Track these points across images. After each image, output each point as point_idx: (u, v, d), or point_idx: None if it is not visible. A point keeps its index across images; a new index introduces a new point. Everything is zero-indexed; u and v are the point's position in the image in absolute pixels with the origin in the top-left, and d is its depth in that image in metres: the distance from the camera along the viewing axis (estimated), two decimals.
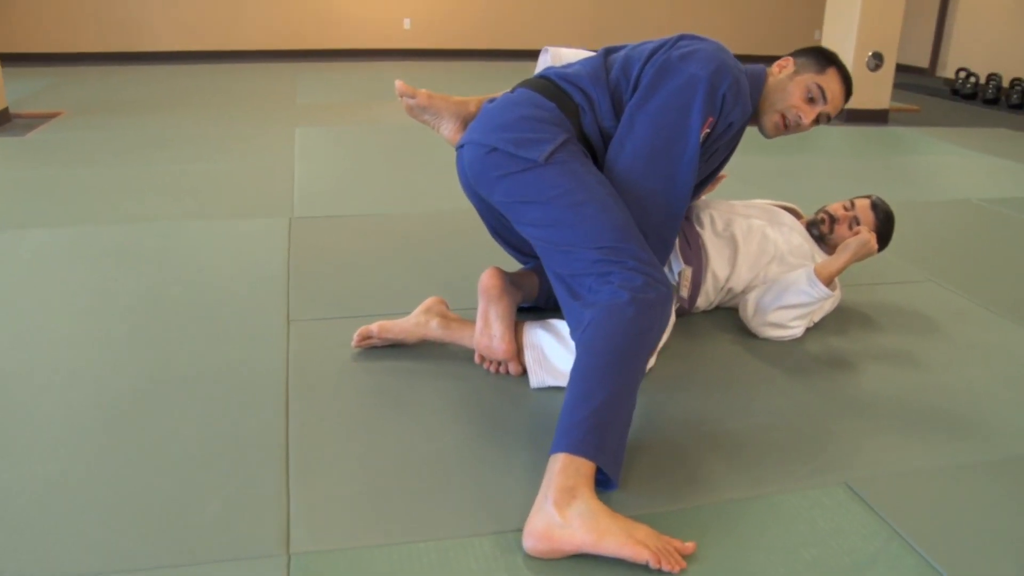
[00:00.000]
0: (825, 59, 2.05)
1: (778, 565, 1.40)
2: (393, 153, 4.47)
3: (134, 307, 2.36)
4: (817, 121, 2.07)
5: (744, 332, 2.30)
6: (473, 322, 2.06)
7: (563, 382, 1.92)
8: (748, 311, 2.26)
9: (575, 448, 1.47)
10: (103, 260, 2.73)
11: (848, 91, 2.08)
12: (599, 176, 1.82)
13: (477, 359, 2.05)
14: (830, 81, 2.03)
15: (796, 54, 2.09)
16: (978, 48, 8.55)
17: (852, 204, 2.40)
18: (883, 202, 2.42)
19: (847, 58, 5.78)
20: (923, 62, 9.64)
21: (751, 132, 2.13)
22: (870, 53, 5.81)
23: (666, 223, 1.93)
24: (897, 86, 7.24)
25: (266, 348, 2.13)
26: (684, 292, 2.26)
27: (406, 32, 9.45)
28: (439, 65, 8.63)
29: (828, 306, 2.32)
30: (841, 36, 5.91)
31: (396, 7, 9.33)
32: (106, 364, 2.03)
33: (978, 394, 2.01)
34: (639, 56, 1.92)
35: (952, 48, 9.05)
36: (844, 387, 2.02)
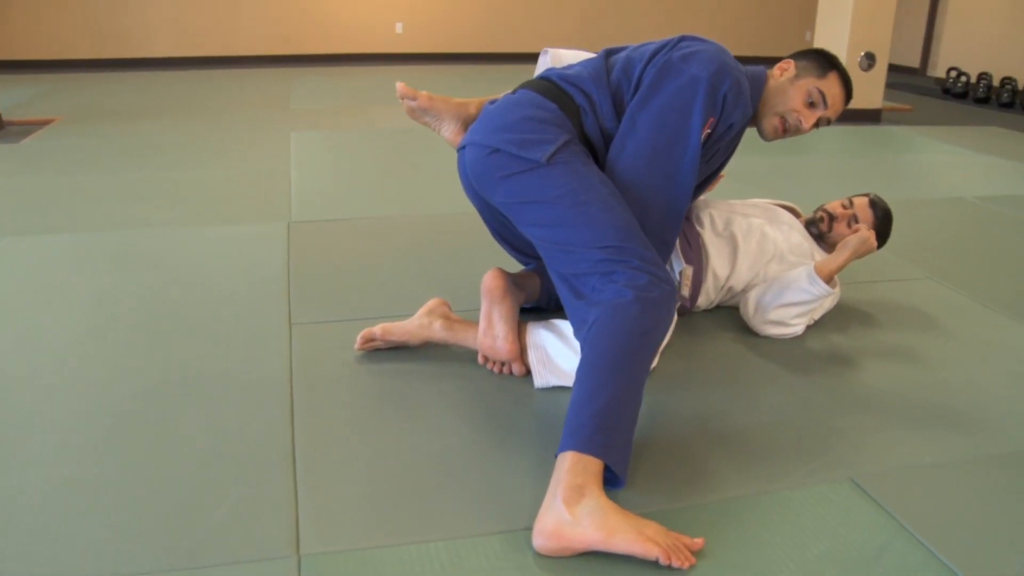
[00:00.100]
0: (827, 63, 2.06)
1: (787, 560, 1.41)
2: (389, 157, 4.47)
3: (135, 312, 2.36)
4: (817, 125, 2.08)
5: (745, 330, 2.30)
6: (476, 323, 2.07)
7: (567, 382, 1.93)
8: (749, 309, 2.27)
9: (583, 446, 1.47)
10: (102, 266, 2.72)
11: (848, 96, 2.09)
12: (601, 176, 1.83)
13: (481, 360, 2.05)
14: (831, 85, 2.04)
15: (797, 57, 2.09)
16: (969, 48, 8.60)
17: (850, 202, 2.41)
18: (881, 200, 2.43)
19: (840, 58, 5.80)
20: (914, 62, 9.69)
21: (749, 133, 2.14)
22: (862, 53, 5.83)
23: (667, 223, 1.93)
24: (889, 86, 7.28)
25: (269, 351, 2.13)
26: (685, 291, 2.27)
27: (398, 36, 9.46)
28: (431, 69, 8.64)
29: (828, 304, 2.33)
30: (833, 37, 5.94)
31: (388, 12, 9.33)
32: (109, 369, 2.03)
33: (979, 389, 2.02)
34: (640, 57, 1.93)
35: (943, 48, 9.09)
36: (847, 384, 2.03)
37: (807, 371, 2.10)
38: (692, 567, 1.38)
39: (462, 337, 2.08)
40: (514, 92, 2.00)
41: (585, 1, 9.74)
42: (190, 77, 7.79)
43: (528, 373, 2.01)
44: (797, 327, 2.25)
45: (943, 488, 1.63)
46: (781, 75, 2.06)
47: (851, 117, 5.97)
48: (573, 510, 1.40)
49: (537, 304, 2.25)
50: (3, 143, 4.72)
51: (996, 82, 7.77)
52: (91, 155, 4.39)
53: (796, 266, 2.31)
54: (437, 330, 2.09)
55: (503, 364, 2.02)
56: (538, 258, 2.18)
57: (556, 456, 1.51)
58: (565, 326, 1.98)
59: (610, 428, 1.51)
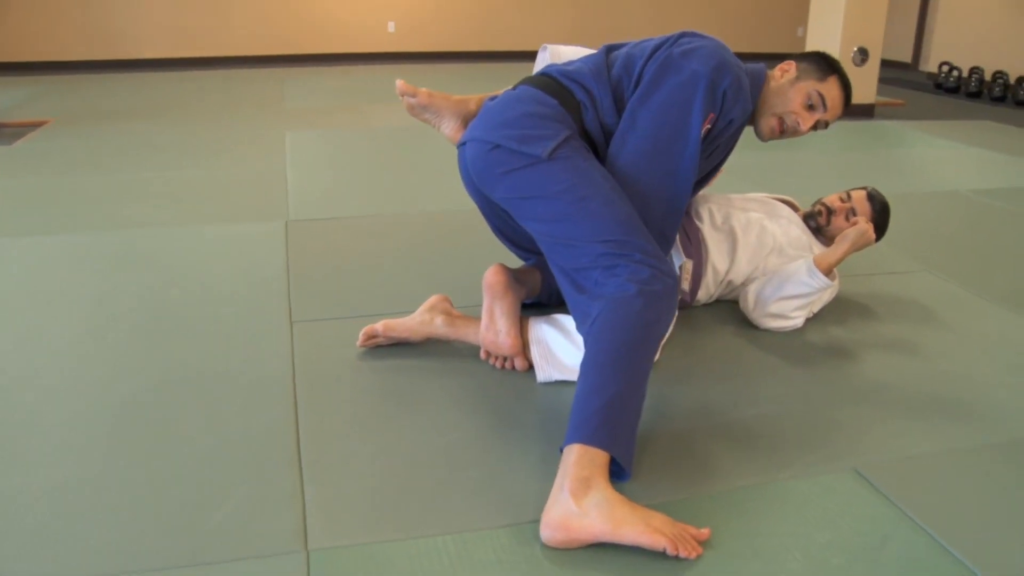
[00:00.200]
0: (828, 67, 2.07)
1: (792, 549, 1.42)
2: (385, 155, 4.47)
3: (134, 312, 2.36)
4: (814, 128, 2.09)
5: (745, 324, 2.32)
6: (477, 319, 2.07)
7: (570, 376, 1.94)
8: (749, 303, 2.28)
9: (589, 439, 1.48)
10: (101, 266, 2.72)
11: (847, 100, 2.10)
12: (602, 171, 1.84)
13: (483, 355, 2.06)
14: (831, 89, 2.06)
15: (799, 59, 2.11)
16: (960, 42, 8.63)
17: (848, 195, 2.43)
18: (879, 193, 2.44)
19: (832, 54, 5.81)
20: (906, 57, 9.72)
21: (746, 130, 2.15)
22: (855, 48, 5.85)
23: (667, 218, 1.94)
24: (881, 81, 7.29)
25: (271, 349, 2.13)
26: (685, 285, 2.28)
27: (391, 35, 9.45)
28: (424, 68, 8.64)
29: (827, 296, 2.35)
30: (826, 32, 5.96)
31: (380, 11, 9.32)
32: (110, 369, 2.03)
33: (978, 380, 2.04)
34: (641, 53, 1.94)
35: (934, 42, 9.13)
36: (847, 375, 2.05)
37: (807, 363, 2.11)
38: (699, 557, 1.39)
39: (464, 333, 2.09)
40: (514, 88, 2.00)
41: None
42: (182, 78, 7.78)
43: (530, 368, 2.01)
44: (797, 320, 2.26)
45: (945, 477, 1.64)
46: (782, 76, 2.07)
47: (845, 112, 5.99)
48: (580, 502, 1.41)
49: (538, 299, 2.26)
50: None
51: (988, 76, 7.80)
52: (86, 156, 4.38)
53: (795, 259, 2.33)
54: (439, 326, 2.09)
55: (505, 359, 2.03)
56: (539, 253, 2.19)
57: (561, 449, 1.52)
58: (567, 321, 1.99)
59: (615, 421, 1.52)
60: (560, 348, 1.97)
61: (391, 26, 9.41)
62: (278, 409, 1.85)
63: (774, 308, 2.24)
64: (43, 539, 1.42)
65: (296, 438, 1.74)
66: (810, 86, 2.04)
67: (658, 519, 1.41)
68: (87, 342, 2.17)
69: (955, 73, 7.94)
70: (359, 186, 3.79)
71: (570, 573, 1.36)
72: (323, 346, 2.15)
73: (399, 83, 2.07)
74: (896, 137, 5.36)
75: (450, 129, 2.09)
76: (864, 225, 2.23)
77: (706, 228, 2.32)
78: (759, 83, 2.03)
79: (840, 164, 4.49)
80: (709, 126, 1.89)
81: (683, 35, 1.96)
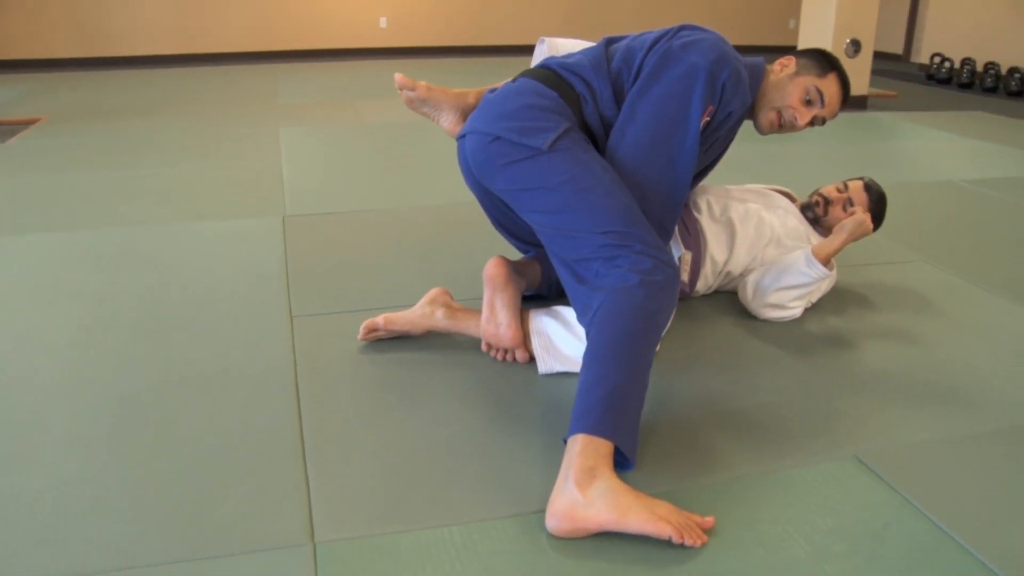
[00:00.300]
0: (827, 63, 2.08)
1: (796, 536, 1.43)
2: (380, 150, 4.47)
3: (134, 309, 2.36)
4: (812, 123, 2.10)
5: (744, 314, 2.33)
6: (478, 311, 2.08)
7: (571, 368, 1.95)
8: (748, 293, 2.29)
9: (593, 429, 1.49)
10: (99, 264, 2.72)
11: (846, 98, 2.11)
12: (603, 162, 1.84)
13: (484, 347, 2.06)
14: (829, 85, 2.06)
15: (798, 55, 2.11)
16: (952, 33, 8.66)
17: (845, 186, 2.44)
18: (875, 183, 2.46)
19: (825, 46, 5.83)
20: (897, 48, 9.74)
21: (745, 123, 2.15)
22: (848, 40, 5.86)
23: (666, 210, 1.95)
24: (873, 72, 7.31)
25: (271, 344, 2.13)
26: (684, 277, 2.29)
27: (383, 31, 9.44)
28: (416, 63, 8.63)
29: (825, 286, 2.36)
30: (818, 24, 5.97)
31: (372, 6, 9.31)
32: (111, 367, 2.03)
33: (976, 368, 2.05)
34: (641, 46, 1.94)
35: (926, 34, 9.15)
36: (846, 364, 2.06)
37: (807, 353, 2.12)
38: (704, 545, 1.40)
39: (464, 325, 2.09)
40: (514, 80, 2.01)
41: None
42: (175, 75, 7.75)
43: (531, 360, 2.02)
44: (795, 310, 2.28)
45: (945, 463, 1.66)
46: (781, 71, 2.08)
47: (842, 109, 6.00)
48: (585, 492, 1.41)
49: (538, 292, 2.27)
50: None
51: (979, 67, 7.83)
52: (80, 154, 4.37)
53: (793, 250, 2.34)
54: (439, 319, 2.10)
55: (506, 351, 2.03)
56: (538, 246, 2.19)
57: (565, 440, 1.53)
58: (567, 312, 2.00)
59: (619, 411, 1.52)
60: (561, 339, 1.97)
61: (383, 21, 9.40)
62: (280, 403, 1.85)
63: (773, 298, 2.25)
64: (47, 535, 1.42)
65: (299, 432, 1.74)
66: (809, 81, 2.05)
67: (663, 507, 1.42)
68: (87, 340, 2.17)
69: (947, 64, 7.97)
70: (355, 181, 3.79)
71: (576, 562, 1.37)
72: (324, 340, 2.15)
73: (398, 77, 2.07)
74: (889, 128, 5.38)
75: (449, 122, 2.09)
76: (861, 215, 2.24)
77: (704, 219, 2.33)
78: (758, 77, 2.04)
79: (835, 156, 4.50)
80: (708, 118, 1.90)
81: (683, 28, 1.96)
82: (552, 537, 1.42)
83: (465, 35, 9.66)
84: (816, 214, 2.43)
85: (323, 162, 4.20)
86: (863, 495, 1.55)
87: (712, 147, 2.05)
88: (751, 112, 2.08)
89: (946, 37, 8.71)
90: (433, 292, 2.15)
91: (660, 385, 1.92)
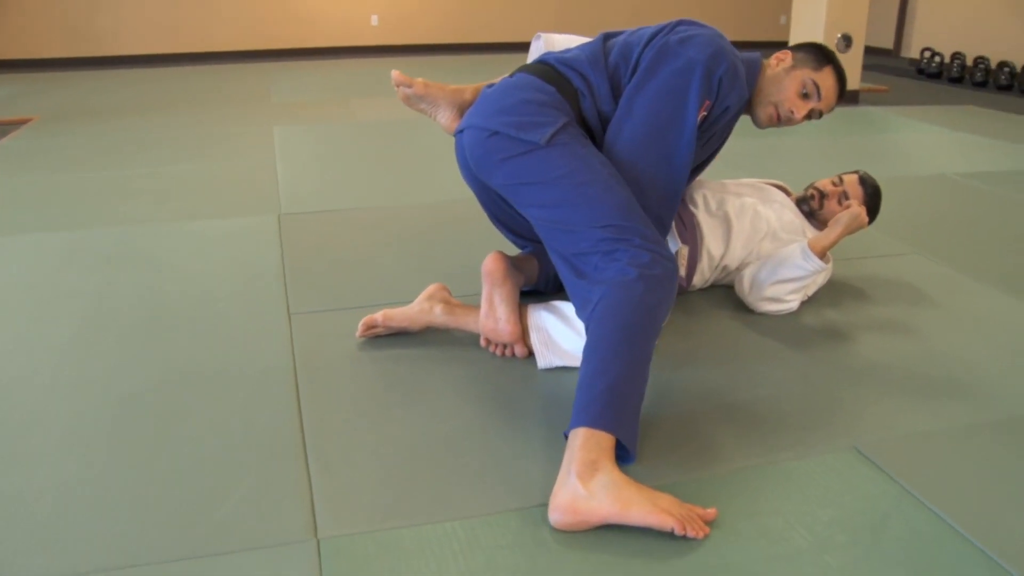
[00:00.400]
0: (823, 57, 2.09)
1: (797, 526, 1.44)
2: (374, 149, 4.46)
3: (131, 308, 2.35)
4: (809, 117, 2.10)
5: (741, 308, 2.33)
6: (476, 307, 2.08)
7: (570, 362, 1.95)
8: (745, 287, 2.30)
9: (595, 422, 1.49)
10: (95, 264, 2.71)
11: (842, 91, 2.12)
12: (600, 157, 1.85)
13: (483, 343, 2.07)
14: (825, 78, 2.07)
15: (794, 49, 2.12)
16: (942, 28, 8.68)
17: (840, 179, 2.45)
18: (870, 177, 2.47)
19: (816, 41, 5.84)
20: (888, 43, 9.77)
21: (742, 118, 2.16)
22: (839, 35, 5.88)
23: (663, 204, 1.95)
24: (864, 67, 7.33)
25: (270, 342, 2.13)
26: (681, 271, 2.30)
27: (374, 29, 9.43)
28: (408, 61, 8.61)
29: (821, 279, 2.37)
30: (809, 19, 5.99)
31: (364, 4, 9.29)
32: (110, 366, 2.02)
33: (973, 360, 2.06)
34: (638, 41, 1.95)
35: (916, 29, 9.18)
36: (844, 357, 2.07)
37: (804, 346, 2.13)
38: (706, 536, 1.40)
39: (463, 321, 2.10)
40: (512, 76, 2.01)
41: None
42: (167, 74, 7.73)
43: (530, 355, 2.03)
44: (792, 303, 2.28)
45: (944, 453, 1.67)
46: (777, 65, 2.09)
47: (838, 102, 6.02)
48: (588, 485, 1.42)
49: (535, 287, 2.27)
50: None
51: (969, 62, 7.86)
52: (73, 153, 4.35)
53: (789, 243, 2.35)
54: (438, 315, 2.10)
55: (505, 346, 2.04)
56: (535, 241, 2.20)
57: (566, 434, 1.53)
58: (566, 307, 2.00)
59: (620, 404, 1.53)
60: (560, 334, 1.98)
61: (374, 19, 9.39)
62: (280, 401, 1.85)
63: (770, 292, 2.25)
64: (50, 534, 1.42)
65: (300, 429, 1.74)
66: (805, 74, 2.06)
67: (665, 500, 1.42)
68: (85, 340, 2.16)
69: (937, 59, 8.00)
70: (350, 179, 3.78)
71: (579, 555, 1.37)
72: (322, 337, 2.15)
73: (395, 74, 2.07)
74: (881, 123, 5.40)
75: (446, 119, 2.09)
76: (857, 208, 2.25)
77: (701, 214, 2.34)
78: (755, 71, 2.04)
79: (828, 150, 4.52)
80: (705, 113, 1.90)
81: (680, 23, 1.97)
82: (555, 530, 1.42)
83: (456, 33, 9.65)
84: (811, 207, 2.44)
85: (317, 160, 4.19)
86: (863, 486, 1.56)
87: (709, 142, 2.06)
88: (748, 107, 2.09)
89: (936, 32, 8.74)
90: (431, 288, 2.15)
91: (659, 379, 1.93)
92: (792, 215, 2.40)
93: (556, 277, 2.22)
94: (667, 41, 1.90)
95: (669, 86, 1.87)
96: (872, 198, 2.43)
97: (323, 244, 2.86)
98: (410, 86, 2.07)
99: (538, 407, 1.83)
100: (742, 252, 2.35)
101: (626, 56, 1.94)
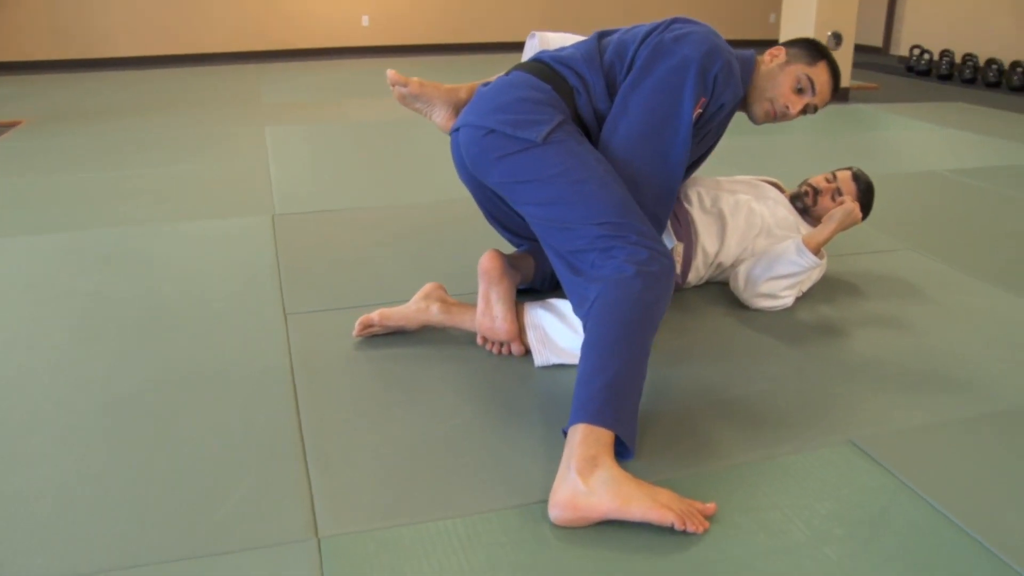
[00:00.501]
0: (816, 52, 2.10)
1: (795, 520, 1.45)
2: (366, 149, 4.46)
3: (128, 309, 2.35)
4: (804, 111, 2.11)
5: (736, 304, 2.34)
6: (473, 305, 2.08)
7: (567, 360, 1.96)
8: (740, 283, 2.31)
9: (594, 418, 1.50)
10: (90, 265, 2.70)
11: (836, 85, 2.13)
12: (597, 154, 1.85)
13: (480, 341, 2.07)
14: (820, 73, 2.08)
15: (788, 45, 2.13)
16: (930, 26, 8.72)
17: (834, 176, 2.46)
18: (863, 173, 2.48)
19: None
20: (877, 41, 9.82)
21: (736, 115, 2.17)
22: (829, 33, 5.90)
23: (659, 202, 1.96)
24: (854, 65, 7.36)
25: (266, 342, 2.13)
26: (676, 268, 2.30)
27: (364, 29, 9.42)
28: (399, 61, 8.61)
29: (815, 275, 2.38)
30: (799, 17, 6.01)
31: (354, 5, 9.28)
32: (107, 367, 2.02)
33: (966, 354, 2.08)
34: (633, 39, 1.96)
35: (905, 26, 9.22)
36: (839, 352, 2.08)
37: (799, 341, 2.14)
38: (706, 531, 1.41)
39: (459, 319, 2.10)
40: (507, 74, 2.01)
41: None
42: (156, 76, 7.71)
43: (527, 353, 2.03)
44: (787, 299, 2.29)
45: (939, 447, 1.68)
46: (771, 61, 2.10)
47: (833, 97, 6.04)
48: (588, 481, 1.42)
49: (531, 285, 2.28)
50: None
51: (958, 59, 7.90)
52: (64, 155, 4.34)
53: (783, 240, 2.36)
54: (434, 313, 2.10)
55: (502, 344, 2.04)
56: (531, 239, 2.20)
57: (565, 431, 1.54)
58: (562, 305, 2.01)
59: (619, 400, 1.53)
60: (556, 332, 1.98)
61: (365, 20, 9.38)
62: (278, 400, 1.85)
63: (764, 288, 2.26)
64: (49, 535, 1.42)
65: (299, 429, 1.74)
66: (799, 70, 2.07)
67: (665, 495, 1.43)
68: (82, 341, 2.16)
69: (926, 56, 8.04)
70: (343, 179, 3.78)
71: (580, 551, 1.38)
72: (319, 337, 2.15)
73: (390, 73, 2.07)
74: (872, 120, 5.42)
75: (441, 118, 2.10)
76: (850, 204, 2.26)
77: (695, 211, 2.34)
78: (749, 68, 2.05)
79: (819, 147, 4.54)
80: (700, 110, 1.91)
81: (675, 21, 1.98)
82: (555, 527, 1.43)
83: (447, 33, 9.65)
84: (805, 204, 2.45)
85: (310, 161, 4.19)
86: (860, 479, 1.56)
87: (704, 139, 2.07)
88: (744, 103, 2.10)
89: (925, 29, 8.78)
90: (427, 287, 2.16)
91: (656, 375, 1.94)
92: (786, 212, 2.41)
93: (552, 275, 2.23)
94: (662, 39, 1.91)
95: (664, 84, 1.88)
96: (865, 194, 2.45)
97: (318, 244, 2.86)
98: (405, 85, 2.07)
99: (536, 405, 1.84)
100: (737, 249, 2.36)
101: (621, 54, 1.95)
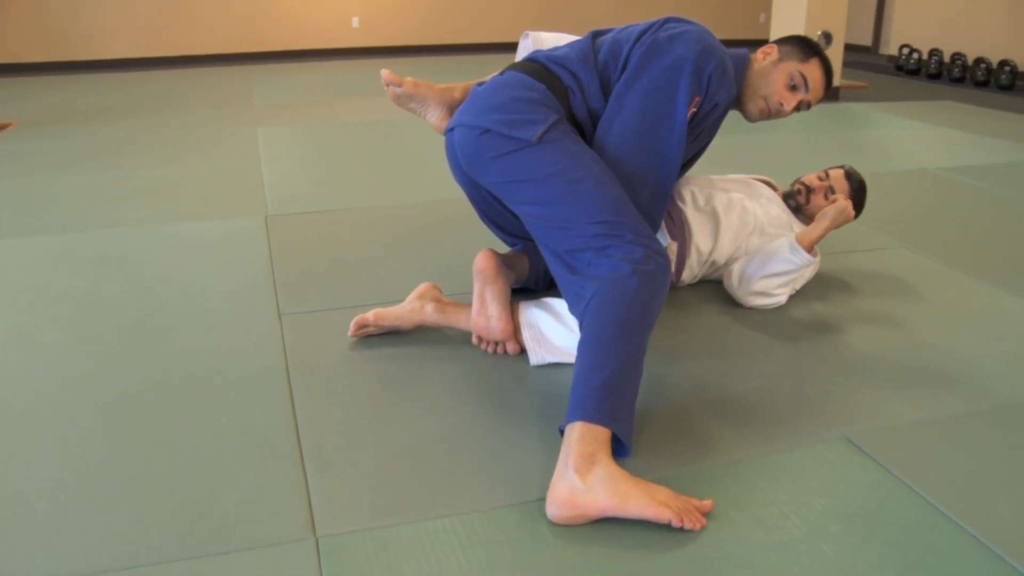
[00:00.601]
0: (809, 48, 2.11)
1: (792, 516, 1.46)
2: (359, 150, 4.46)
3: (122, 311, 2.34)
4: (798, 108, 2.12)
5: (730, 303, 2.35)
6: (467, 305, 2.09)
7: (562, 358, 1.96)
8: (733, 281, 2.31)
9: (591, 416, 1.50)
10: (84, 267, 2.69)
11: (829, 81, 2.14)
12: (592, 153, 1.86)
13: (475, 340, 2.07)
14: (812, 70, 2.09)
15: (780, 42, 2.14)
16: (919, 25, 8.77)
17: (827, 174, 2.47)
18: (856, 171, 2.49)
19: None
20: (866, 40, 9.85)
21: (730, 114, 2.18)
22: (820, 32, 5.92)
23: (654, 200, 1.97)
24: (844, 64, 7.39)
25: (262, 343, 2.13)
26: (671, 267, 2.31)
27: (355, 30, 9.40)
28: (389, 62, 8.60)
29: (809, 273, 2.39)
30: (789, 17, 6.03)
31: (344, 6, 9.27)
32: (103, 368, 2.01)
33: (959, 350, 2.09)
34: (627, 38, 1.96)
35: (894, 26, 9.26)
36: (833, 349, 2.09)
37: (793, 339, 2.15)
38: (703, 528, 1.42)
39: (454, 319, 2.10)
40: (502, 74, 2.02)
41: None
42: (146, 78, 7.68)
43: (522, 352, 2.03)
44: (780, 297, 2.30)
45: (934, 442, 1.69)
46: (764, 59, 2.11)
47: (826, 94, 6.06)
48: (585, 478, 1.43)
49: (526, 284, 2.28)
50: None
51: (947, 58, 7.94)
52: (55, 157, 4.32)
53: (776, 238, 2.36)
54: (429, 313, 2.10)
55: (497, 344, 2.04)
56: (526, 238, 2.21)
57: (562, 428, 1.54)
58: (557, 304, 2.01)
59: (615, 398, 1.54)
60: (551, 330, 1.99)
61: (355, 21, 9.36)
62: (274, 401, 1.85)
63: (758, 286, 2.27)
64: (47, 536, 1.42)
65: (295, 429, 1.74)
66: (792, 67, 2.08)
67: (662, 492, 1.43)
68: (77, 342, 2.15)
69: (915, 55, 8.07)
70: (336, 180, 3.78)
71: (578, 548, 1.38)
72: (314, 337, 2.15)
73: (384, 73, 2.07)
74: (862, 119, 5.44)
75: (435, 118, 2.10)
76: (843, 202, 2.27)
77: (689, 210, 2.35)
78: (743, 67, 2.06)
79: (811, 146, 4.55)
80: (695, 109, 1.92)
81: (669, 20, 1.98)
82: (553, 524, 1.43)
83: (437, 34, 9.64)
84: (798, 202, 2.46)
85: (303, 162, 4.18)
86: (855, 475, 1.57)
87: (698, 138, 2.07)
88: (737, 102, 2.11)
89: (914, 29, 8.82)
90: (422, 287, 2.16)
91: (652, 373, 1.94)
92: (779, 210, 2.42)
93: (546, 274, 2.23)
94: (656, 38, 1.92)
95: (659, 83, 1.89)
96: (858, 192, 2.46)
97: (311, 245, 2.86)
98: (400, 85, 2.07)
99: (532, 403, 1.84)
100: (730, 247, 2.37)
101: (615, 53, 1.95)
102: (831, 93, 6.17)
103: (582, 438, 1.48)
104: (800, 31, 5.89)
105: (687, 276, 2.40)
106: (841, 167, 2.50)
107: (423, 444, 1.68)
